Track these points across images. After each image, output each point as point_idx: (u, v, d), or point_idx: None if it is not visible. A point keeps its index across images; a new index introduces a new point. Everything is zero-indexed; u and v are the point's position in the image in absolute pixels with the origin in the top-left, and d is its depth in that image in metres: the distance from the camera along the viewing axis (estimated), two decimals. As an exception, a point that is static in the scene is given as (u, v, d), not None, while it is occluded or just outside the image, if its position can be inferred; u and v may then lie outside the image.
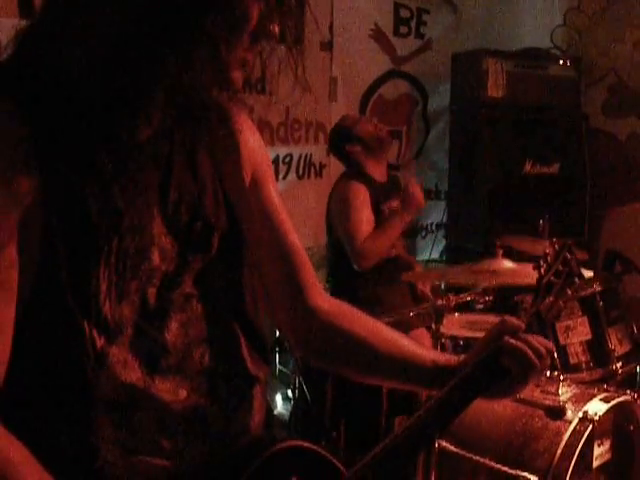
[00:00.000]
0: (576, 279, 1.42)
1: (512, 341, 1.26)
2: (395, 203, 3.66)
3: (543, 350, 1.26)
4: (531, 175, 4.65)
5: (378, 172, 3.68)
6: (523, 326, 1.29)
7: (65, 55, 1.02)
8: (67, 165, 1.02)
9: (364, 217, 3.49)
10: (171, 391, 1.11)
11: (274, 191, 1.35)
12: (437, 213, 4.95)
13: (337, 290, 3.84)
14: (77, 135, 1.02)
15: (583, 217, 4.82)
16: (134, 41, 0.98)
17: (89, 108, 1.01)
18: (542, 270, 1.42)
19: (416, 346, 1.39)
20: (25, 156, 0.99)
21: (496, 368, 1.27)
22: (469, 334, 3.03)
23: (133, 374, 1.08)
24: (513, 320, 1.30)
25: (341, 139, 3.69)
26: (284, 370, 3.64)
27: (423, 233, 4.97)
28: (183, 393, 1.13)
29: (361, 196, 3.54)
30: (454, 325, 3.10)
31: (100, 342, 1.05)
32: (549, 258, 1.42)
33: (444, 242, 4.96)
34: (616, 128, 5.00)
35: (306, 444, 1.22)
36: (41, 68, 1.02)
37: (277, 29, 1.08)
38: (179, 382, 1.12)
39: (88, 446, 1.05)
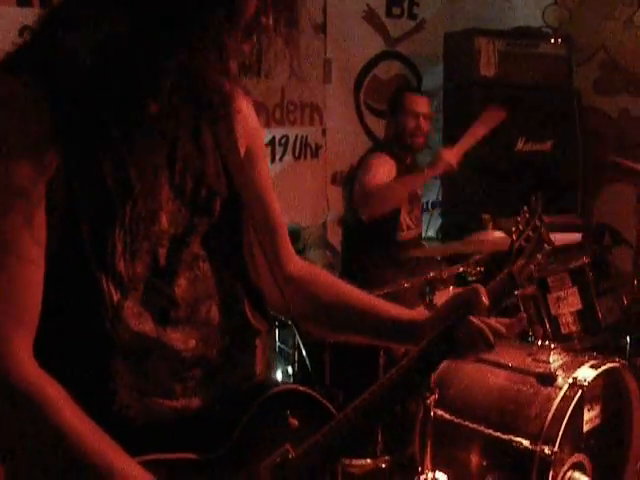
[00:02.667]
0: (545, 245, 1.50)
1: (475, 321, 1.37)
2: None
3: (503, 331, 1.39)
4: (524, 152, 4.71)
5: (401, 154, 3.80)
6: (488, 304, 1.38)
7: (81, 40, 1.10)
8: (83, 136, 1.11)
9: (382, 176, 3.60)
10: (181, 340, 1.23)
11: (265, 166, 1.49)
12: (432, 192, 5.00)
13: (347, 270, 3.94)
14: (91, 107, 1.11)
15: (575, 193, 4.88)
16: (144, 31, 1.08)
17: (103, 84, 1.10)
18: (514, 236, 1.49)
19: (385, 303, 1.52)
20: (46, 127, 1.09)
21: (452, 339, 1.38)
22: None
23: (146, 325, 1.20)
24: (483, 299, 1.39)
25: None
26: (284, 347, 3.70)
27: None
28: (192, 342, 1.25)
29: (387, 165, 3.68)
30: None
31: (116, 296, 1.17)
32: (520, 225, 1.50)
33: (440, 220, 5.03)
34: (608, 105, 5.04)
35: (302, 388, 1.36)
36: (57, 50, 1.11)
37: (271, 23, 1.16)
38: (188, 332, 1.24)
39: (107, 390, 1.17)
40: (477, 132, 3.68)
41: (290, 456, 1.29)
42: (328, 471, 1.36)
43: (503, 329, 1.40)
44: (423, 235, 4.53)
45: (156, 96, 1.14)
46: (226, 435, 1.25)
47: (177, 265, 1.24)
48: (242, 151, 1.40)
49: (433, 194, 5.00)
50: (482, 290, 1.40)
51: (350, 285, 1.56)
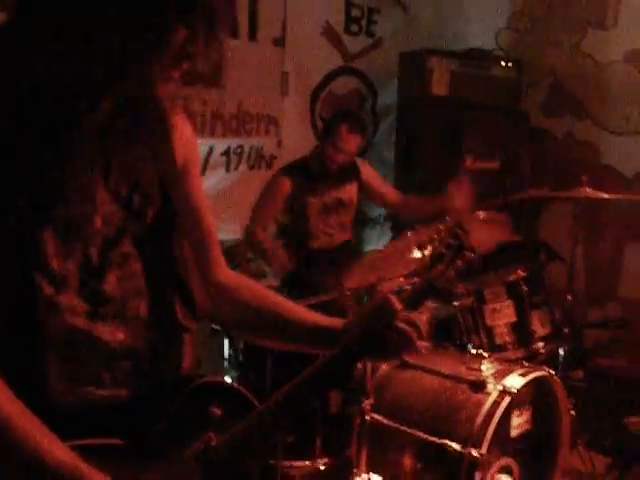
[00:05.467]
0: (465, 252, 1.58)
1: (399, 324, 1.46)
2: (337, 193, 3.91)
3: (426, 328, 1.49)
4: (473, 170, 4.85)
5: (318, 162, 3.92)
6: (400, 308, 1.47)
7: (31, 54, 1.19)
8: (20, 137, 1.20)
9: (270, 210, 3.79)
10: (110, 334, 1.33)
11: (198, 180, 1.58)
12: (383, 206, 5.13)
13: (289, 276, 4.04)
14: (29, 110, 1.20)
15: (521, 210, 5.03)
16: (79, 52, 1.17)
17: (43, 91, 1.20)
18: (435, 243, 1.58)
19: (305, 311, 1.62)
20: None
21: (381, 339, 1.47)
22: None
23: (78, 319, 1.29)
24: (392, 305, 1.47)
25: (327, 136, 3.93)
26: (233, 354, 3.77)
27: (371, 225, 5.15)
28: (120, 336, 1.35)
29: (279, 189, 3.82)
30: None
31: (49, 291, 1.25)
32: (442, 233, 1.59)
33: (391, 234, 5.15)
34: (554, 127, 5.24)
35: (227, 381, 1.44)
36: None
37: (200, 51, 1.25)
38: (117, 326, 1.34)
39: (41, 378, 1.26)
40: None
41: (213, 444, 1.38)
42: (250, 458, 1.45)
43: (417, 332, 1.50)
44: (374, 248, 4.66)
45: (93, 103, 1.23)
46: (153, 423, 1.34)
47: (108, 264, 1.33)
48: (178, 165, 1.49)
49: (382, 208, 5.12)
50: (393, 298, 1.49)
51: (274, 293, 1.67)
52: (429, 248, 1.60)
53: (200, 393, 1.41)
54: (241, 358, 3.20)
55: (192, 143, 1.55)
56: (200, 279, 1.57)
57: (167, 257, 1.44)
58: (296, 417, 1.45)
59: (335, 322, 1.59)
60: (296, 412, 1.45)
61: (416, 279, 1.73)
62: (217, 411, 1.40)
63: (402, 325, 1.46)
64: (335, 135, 3.82)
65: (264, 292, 1.66)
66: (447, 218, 1.60)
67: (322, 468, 3.10)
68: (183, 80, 1.33)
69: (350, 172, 4.00)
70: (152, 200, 1.39)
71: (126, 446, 1.31)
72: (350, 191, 4.00)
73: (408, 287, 1.55)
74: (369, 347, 1.48)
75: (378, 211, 5.02)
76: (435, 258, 1.58)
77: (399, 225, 4.98)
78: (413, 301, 1.51)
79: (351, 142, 3.86)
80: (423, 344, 1.48)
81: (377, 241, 5.03)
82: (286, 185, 3.81)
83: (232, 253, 4.47)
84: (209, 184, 4.19)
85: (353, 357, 1.48)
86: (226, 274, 1.64)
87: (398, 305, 1.47)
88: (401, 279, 3.02)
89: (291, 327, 1.59)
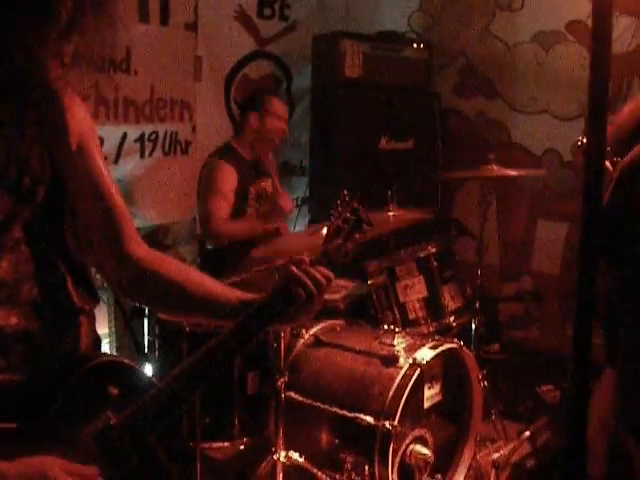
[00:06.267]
0: (365, 226, 1.62)
1: (294, 269, 1.50)
2: (264, 184, 3.91)
3: (321, 278, 1.50)
4: (387, 150, 4.93)
5: (248, 151, 3.89)
6: (307, 260, 1.51)
7: None
8: None
9: (224, 202, 3.69)
10: (3, 318, 1.34)
11: (98, 155, 1.56)
12: (301, 188, 5.17)
13: (205, 262, 4.04)
14: None
15: (437, 189, 5.15)
16: None
17: None
18: (332, 218, 1.61)
19: (222, 286, 1.62)
20: None
21: (285, 295, 1.50)
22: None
23: None
24: (299, 257, 1.53)
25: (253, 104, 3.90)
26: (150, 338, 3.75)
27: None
28: (14, 319, 1.35)
29: (227, 179, 3.74)
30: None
31: None
32: (339, 208, 1.62)
33: (308, 216, 5.19)
34: (465, 107, 5.36)
35: (126, 361, 1.47)
36: None
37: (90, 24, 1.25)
38: (10, 310, 1.35)
39: None
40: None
41: (111, 422, 1.39)
42: (151, 436, 1.46)
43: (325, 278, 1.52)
44: (292, 230, 4.69)
45: None
46: (49, 405, 1.35)
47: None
48: (73, 144, 1.47)
49: (301, 190, 5.16)
50: (294, 268, 1.52)
51: (193, 268, 1.68)
52: (329, 223, 1.63)
53: (97, 373, 1.41)
54: (159, 342, 3.19)
55: (87, 123, 1.53)
56: (113, 257, 1.56)
57: (58, 237, 1.44)
58: (195, 392, 1.46)
59: (254, 297, 1.58)
60: (195, 388, 1.46)
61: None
62: (114, 390, 1.41)
63: (296, 271, 1.49)
64: (267, 102, 3.85)
65: (182, 267, 1.65)
66: (345, 194, 1.62)
67: (242, 448, 3.12)
68: (91, 65, 1.33)
69: (268, 166, 4.01)
70: (42, 181, 1.38)
71: (20, 429, 1.30)
72: (270, 184, 4.01)
73: (306, 259, 1.57)
74: (269, 315, 1.50)
75: (295, 194, 5.05)
76: (333, 232, 1.62)
77: (317, 208, 5.04)
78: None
79: (282, 108, 3.91)
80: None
81: (295, 224, 5.06)
82: (232, 174, 3.76)
83: (150, 240, 4.45)
84: (124, 171, 4.14)
85: (251, 330, 1.50)
86: (142, 250, 1.61)
87: (304, 258, 1.51)
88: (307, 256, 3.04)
89: (210, 302, 1.57)
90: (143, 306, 1.73)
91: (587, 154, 1.00)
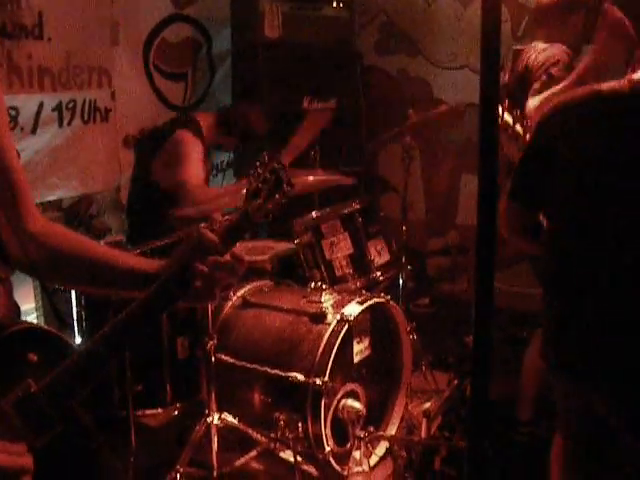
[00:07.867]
0: (285, 186, 1.61)
1: (200, 267, 1.46)
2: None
3: (234, 270, 1.50)
4: (310, 110, 4.90)
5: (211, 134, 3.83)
6: (217, 241, 1.49)
7: None
8: None
9: (198, 170, 3.59)
10: None
11: (4, 127, 1.52)
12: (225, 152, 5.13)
13: (135, 238, 3.96)
14: None
15: (360, 148, 5.17)
16: None
17: None
18: (251, 178, 1.60)
19: (124, 256, 1.60)
20: None
21: (182, 283, 1.48)
22: (250, 259, 3.28)
23: None
24: (208, 238, 1.48)
25: None
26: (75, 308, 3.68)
27: (214, 172, 5.13)
28: None
29: (197, 149, 3.64)
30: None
31: None
32: (259, 169, 1.61)
33: (234, 179, 5.17)
34: (387, 65, 5.38)
35: (45, 327, 1.45)
36: None
37: None
38: None
39: None
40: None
41: (32, 390, 1.37)
42: (74, 402, 1.45)
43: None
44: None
45: None
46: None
47: None
48: None
49: (225, 154, 5.12)
50: (207, 232, 1.50)
51: (90, 239, 1.64)
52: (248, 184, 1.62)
53: (16, 340, 1.40)
54: (85, 314, 3.15)
55: None
56: (12, 229, 1.53)
57: None
58: (115, 358, 1.46)
59: (153, 264, 1.57)
60: (115, 353, 1.46)
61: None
62: (33, 357, 1.39)
63: (202, 269, 1.47)
64: None
65: (79, 238, 1.63)
66: (265, 154, 1.61)
67: (175, 414, 3.13)
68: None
69: None
70: None
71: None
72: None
73: (226, 221, 1.56)
74: (183, 284, 1.49)
75: (220, 158, 5.01)
76: (252, 193, 1.60)
77: (242, 171, 5.02)
78: (230, 235, 1.52)
79: None
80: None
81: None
82: (201, 147, 3.68)
83: (74, 211, 4.37)
84: (42, 141, 4.05)
85: (168, 295, 1.49)
86: (39, 223, 1.59)
87: (214, 239, 1.49)
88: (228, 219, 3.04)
89: (106, 272, 1.56)
90: (57, 286, 1.69)
91: (481, 104, 1.02)
